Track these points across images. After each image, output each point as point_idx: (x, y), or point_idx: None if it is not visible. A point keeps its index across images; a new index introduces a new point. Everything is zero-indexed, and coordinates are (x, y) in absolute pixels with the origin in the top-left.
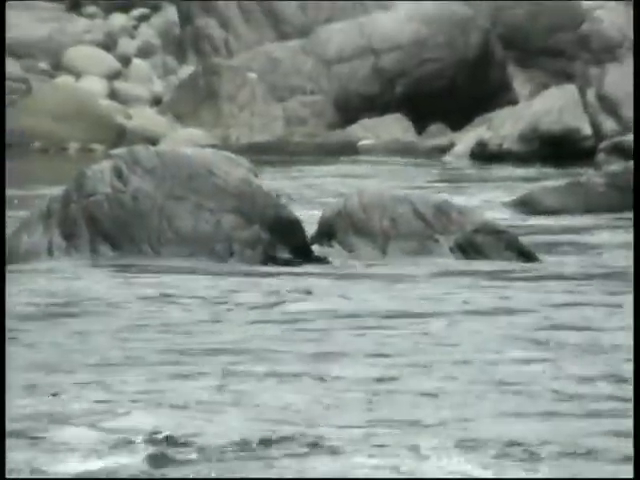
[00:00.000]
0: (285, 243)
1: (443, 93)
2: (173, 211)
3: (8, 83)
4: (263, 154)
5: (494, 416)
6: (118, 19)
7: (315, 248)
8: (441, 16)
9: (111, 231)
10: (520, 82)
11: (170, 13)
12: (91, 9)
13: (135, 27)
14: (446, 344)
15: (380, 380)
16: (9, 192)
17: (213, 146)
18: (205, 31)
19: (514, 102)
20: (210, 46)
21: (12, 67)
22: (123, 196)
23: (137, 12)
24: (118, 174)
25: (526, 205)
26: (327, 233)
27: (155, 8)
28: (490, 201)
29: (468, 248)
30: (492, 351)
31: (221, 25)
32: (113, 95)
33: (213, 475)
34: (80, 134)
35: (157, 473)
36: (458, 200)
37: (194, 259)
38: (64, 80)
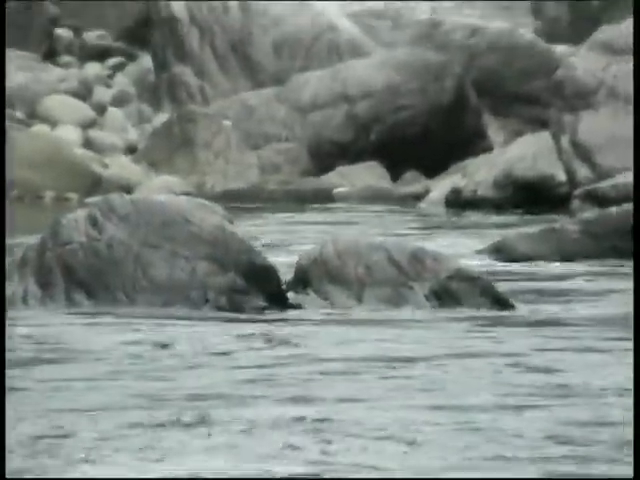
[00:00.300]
0: (260, 290)
1: (417, 140)
2: (148, 259)
3: None
4: (238, 201)
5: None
6: (93, 68)
7: (290, 295)
8: (414, 62)
9: (86, 279)
10: (494, 129)
11: (145, 61)
12: (66, 58)
13: (110, 76)
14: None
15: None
16: None
17: (188, 193)
18: (180, 79)
19: (488, 149)
20: (186, 94)
21: None
22: (98, 244)
23: (112, 61)
24: (93, 222)
25: (500, 252)
26: (302, 280)
27: (130, 57)
28: (464, 248)
29: (443, 295)
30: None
31: (196, 73)
32: (88, 144)
33: None
34: (55, 182)
35: None
36: (432, 247)
37: (169, 307)
38: (39, 129)
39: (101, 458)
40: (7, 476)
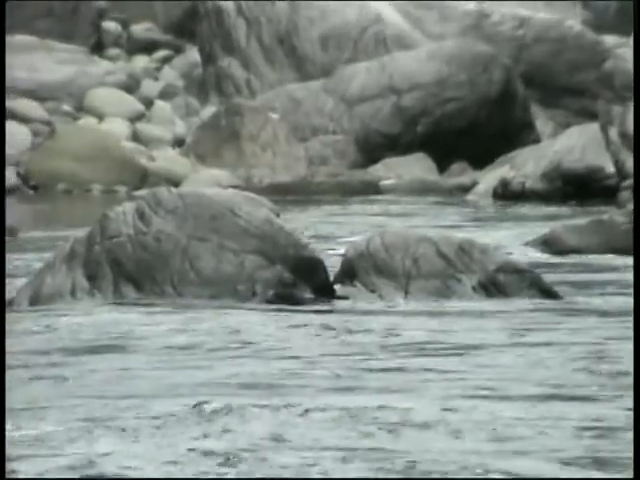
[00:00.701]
0: (307, 283)
1: (465, 132)
2: (195, 252)
3: (33, 126)
4: (285, 194)
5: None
6: (141, 61)
7: (337, 288)
8: (462, 55)
9: (134, 272)
10: (542, 121)
11: (192, 54)
12: (114, 51)
13: (158, 69)
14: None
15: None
16: (34, 234)
17: (235, 187)
18: (227, 72)
19: (536, 141)
20: (232, 86)
21: (36, 110)
22: (146, 237)
23: (160, 54)
24: (141, 215)
25: (548, 244)
26: (349, 273)
27: (177, 50)
28: (512, 240)
29: (490, 287)
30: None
31: (243, 65)
32: (136, 137)
33: None
34: (103, 176)
35: None
36: (480, 239)
37: (217, 300)
38: (87, 122)
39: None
40: (7, 476)
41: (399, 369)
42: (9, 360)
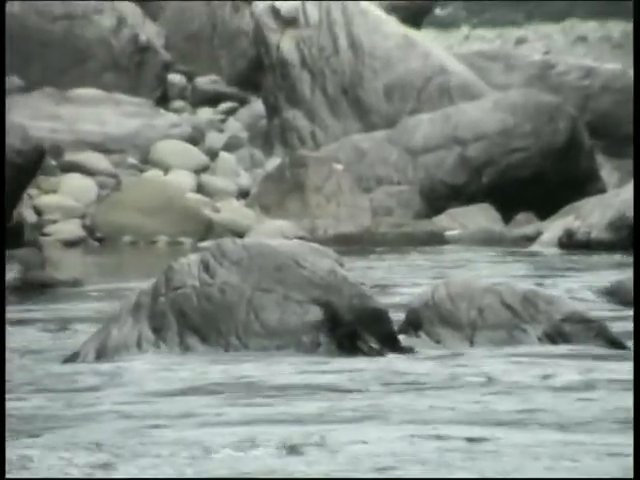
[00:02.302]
0: (372, 333)
1: (530, 181)
2: (260, 303)
3: (100, 178)
4: (350, 245)
5: None
6: (205, 113)
7: (402, 338)
8: (528, 104)
9: (199, 324)
10: (608, 170)
11: (257, 106)
12: (179, 104)
13: (222, 121)
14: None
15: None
16: (100, 286)
17: (300, 237)
18: (292, 123)
19: (602, 190)
20: (297, 138)
21: (102, 162)
22: (211, 289)
23: (224, 106)
24: (205, 267)
25: (615, 294)
26: (414, 323)
27: (242, 102)
28: (578, 290)
29: (557, 337)
30: None
31: (307, 117)
32: (200, 189)
33: None
34: (168, 227)
35: None
36: (546, 289)
37: (282, 351)
38: (152, 174)
39: None
40: (6, 476)
41: None
42: None
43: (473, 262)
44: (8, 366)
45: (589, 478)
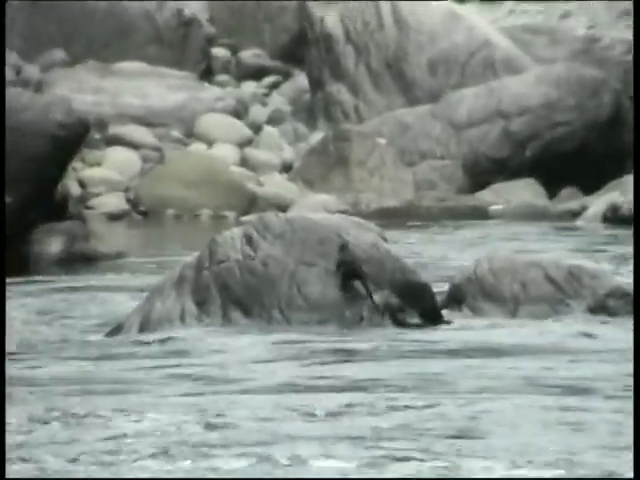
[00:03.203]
0: (414, 307)
1: (574, 156)
2: (303, 277)
3: (143, 152)
4: (393, 218)
5: None
6: (249, 87)
7: (444, 312)
8: (571, 78)
9: (242, 297)
10: None
11: (300, 80)
12: (223, 77)
13: (266, 94)
14: None
15: None
16: (143, 259)
17: (343, 212)
18: (335, 97)
19: None
20: (341, 112)
21: (146, 136)
22: (254, 262)
23: (268, 80)
24: (249, 241)
25: None
26: (457, 298)
27: (286, 75)
28: (622, 265)
29: (600, 312)
30: None
31: (351, 91)
32: (244, 162)
33: None
34: (212, 201)
35: None
36: (590, 264)
37: (324, 325)
38: (196, 148)
39: None
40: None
41: None
42: None
43: (516, 237)
44: None
45: (589, 478)
